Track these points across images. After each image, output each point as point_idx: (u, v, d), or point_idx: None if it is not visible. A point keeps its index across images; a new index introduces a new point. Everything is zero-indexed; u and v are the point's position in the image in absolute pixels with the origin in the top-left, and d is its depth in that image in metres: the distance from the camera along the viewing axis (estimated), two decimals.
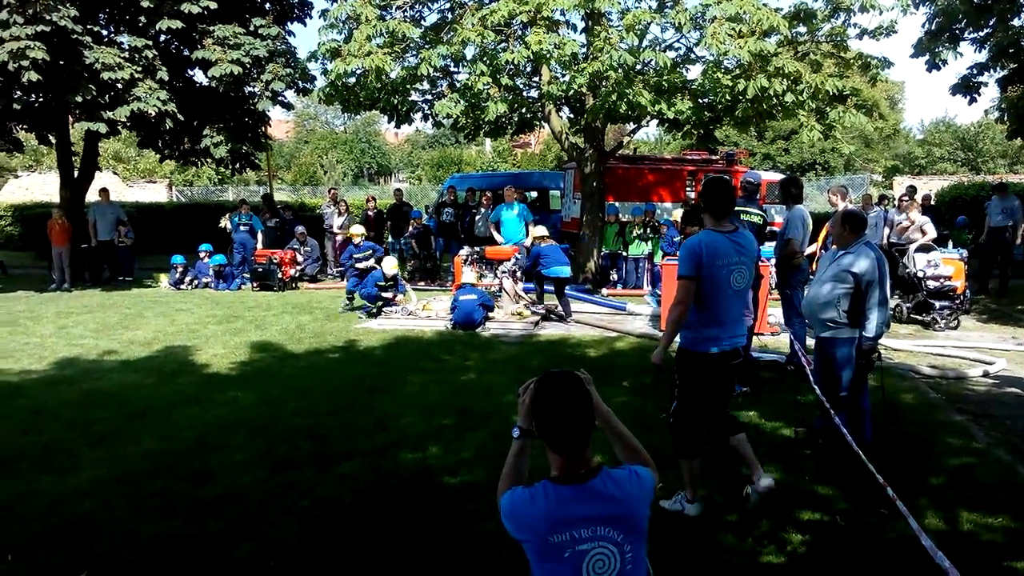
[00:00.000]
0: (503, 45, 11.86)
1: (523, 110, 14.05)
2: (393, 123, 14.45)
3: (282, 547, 3.70)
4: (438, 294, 11.98)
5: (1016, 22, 12.31)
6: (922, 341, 8.59)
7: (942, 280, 9.49)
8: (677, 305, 3.96)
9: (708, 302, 3.93)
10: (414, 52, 12.71)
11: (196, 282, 13.97)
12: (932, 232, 10.63)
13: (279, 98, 14.73)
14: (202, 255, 14.24)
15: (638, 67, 11.70)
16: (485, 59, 11.54)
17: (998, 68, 13.02)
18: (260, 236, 14.71)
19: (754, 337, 7.00)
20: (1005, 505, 4.05)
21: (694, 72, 13.09)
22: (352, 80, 12.30)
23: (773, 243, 7.59)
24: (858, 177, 34.34)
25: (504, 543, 3.08)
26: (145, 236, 16.88)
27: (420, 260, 14.59)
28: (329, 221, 15.62)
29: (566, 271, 9.86)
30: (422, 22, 13.42)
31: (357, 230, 11.71)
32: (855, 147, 34.34)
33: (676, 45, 13.07)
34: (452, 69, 13.01)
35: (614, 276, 13.63)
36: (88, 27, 12.46)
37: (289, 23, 15.91)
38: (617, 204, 14.05)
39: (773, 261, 7.45)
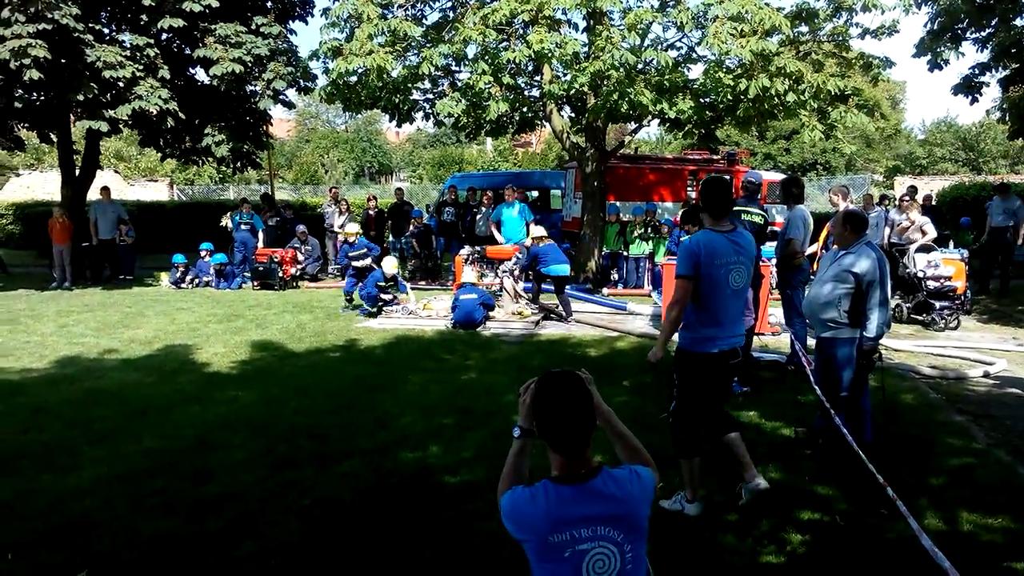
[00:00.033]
0: (505, 44, 11.85)
1: (524, 109, 14.03)
2: (394, 122, 14.44)
3: (282, 546, 3.70)
4: (439, 293, 11.97)
5: (1018, 22, 12.30)
6: (922, 341, 8.59)
7: (942, 280, 9.49)
8: (675, 304, 3.97)
9: (707, 302, 3.93)
10: (415, 51, 12.68)
11: (197, 281, 13.97)
12: (932, 232, 10.62)
13: (280, 97, 14.75)
14: (203, 254, 14.25)
15: (640, 66, 11.68)
16: (487, 58, 11.53)
17: (1000, 68, 13.01)
18: (261, 235, 14.71)
19: (755, 337, 7.01)
20: (1005, 506, 4.05)
21: (696, 71, 13.12)
22: (353, 79, 12.29)
23: (774, 243, 7.59)
24: (859, 177, 34.34)
25: (504, 543, 3.08)
26: (146, 235, 16.91)
27: (421, 259, 14.59)
28: (330, 220, 15.63)
29: (565, 269, 9.85)
30: (424, 21, 13.42)
31: (351, 228, 11.72)
32: (856, 147, 34.30)
33: (678, 44, 13.10)
34: (454, 68, 13.00)
35: (615, 276, 13.64)
36: (90, 25, 12.48)
37: (291, 21, 15.92)
38: (618, 204, 14.07)
39: (774, 261, 7.45)
